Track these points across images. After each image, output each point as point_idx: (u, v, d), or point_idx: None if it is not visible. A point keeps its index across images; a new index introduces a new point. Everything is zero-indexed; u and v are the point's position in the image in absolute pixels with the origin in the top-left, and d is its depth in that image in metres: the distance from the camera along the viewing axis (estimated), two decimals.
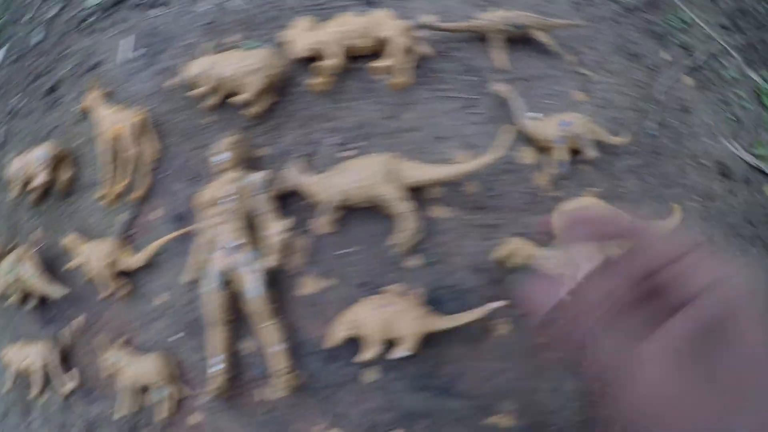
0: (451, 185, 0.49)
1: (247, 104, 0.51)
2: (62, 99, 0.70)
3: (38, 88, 0.75)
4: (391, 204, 0.44)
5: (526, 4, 0.59)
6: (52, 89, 0.73)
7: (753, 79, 0.70)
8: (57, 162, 0.63)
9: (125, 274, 0.57)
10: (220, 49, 0.60)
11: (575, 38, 0.60)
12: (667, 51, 0.67)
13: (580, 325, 0.25)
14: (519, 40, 0.56)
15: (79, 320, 0.58)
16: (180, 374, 0.53)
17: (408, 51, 0.50)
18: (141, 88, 0.62)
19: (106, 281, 0.55)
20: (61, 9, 0.82)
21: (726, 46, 0.71)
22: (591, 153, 0.49)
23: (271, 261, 0.45)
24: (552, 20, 0.55)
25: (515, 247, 0.45)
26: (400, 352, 0.43)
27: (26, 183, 0.64)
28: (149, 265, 0.56)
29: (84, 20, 0.74)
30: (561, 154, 0.49)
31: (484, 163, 0.45)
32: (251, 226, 0.49)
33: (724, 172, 0.59)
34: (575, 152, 0.51)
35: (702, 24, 0.71)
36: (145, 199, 0.57)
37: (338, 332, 0.45)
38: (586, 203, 0.50)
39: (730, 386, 0.22)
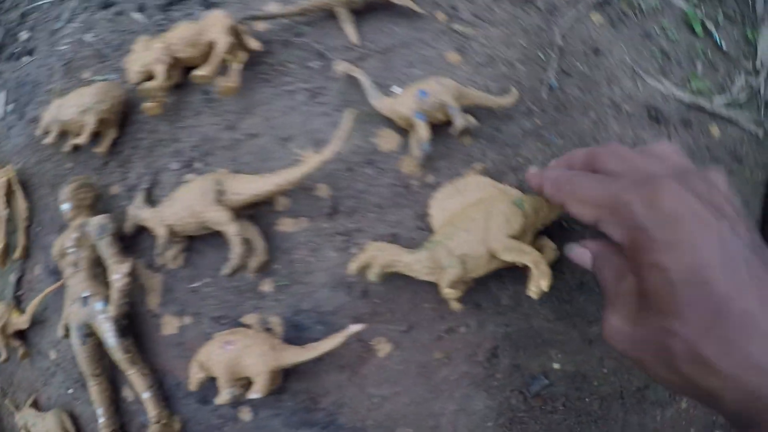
0: (300, 192, 0.45)
1: (88, 140, 0.51)
2: None
3: None
4: (221, 227, 0.42)
5: None
6: None
7: (677, 5, 0.59)
8: None
9: (21, 335, 0.60)
10: (78, 86, 0.60)
11: None
12: None
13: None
14: (375, 8, 0.51)
15: None
16: (77, 429, 0.54)
17: (233, 51, 0.48)
18: (16, 144, 0.64)
19: (3, 343, 0.58)
20: None
21: None
22: (460, 122, 0.43)
23: (112, 309, 0.45)
24: None
25: (372, 255, 0.40)
26: (252, 393, 0.40)
27: None
28: (39, 322, 0.58)
29: None
30: (422, 131, 0.44)
31: (319, 162, 0.42)
32: (104, 272, 0.49)
33: (656, 117, 0.50)
34: (448, 124, 0.46)
35: None
36: (27, 257, 0.59)
37: (194, 375, 0.43)
38: (470, 183, 0.45)
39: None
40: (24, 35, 0.70)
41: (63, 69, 0.63)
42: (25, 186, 0.60)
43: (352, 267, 0.41)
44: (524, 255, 0.38)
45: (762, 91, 0.56)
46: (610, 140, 0.50)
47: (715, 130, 0.53)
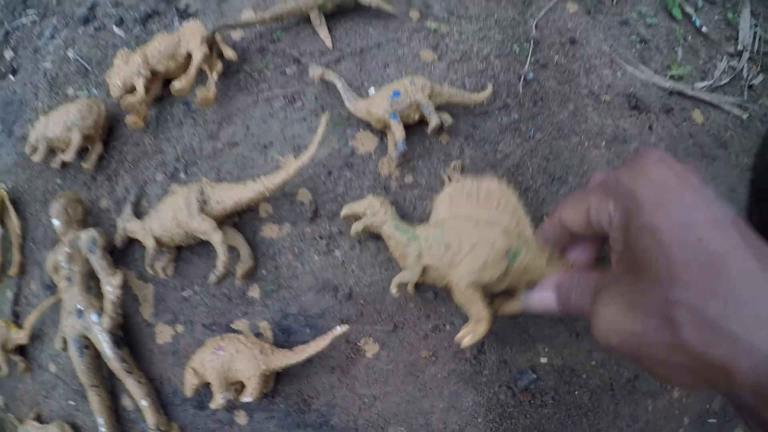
0: (282, 198, 0.49)
1: (74, 157, 0.55)
2: None
3: None
4: (206, 236, 0.46)
5: None
6: None
7: None
8: None
9: (21, 350, 0.64)
10: (62, 103, 0.65)
11: None
12: None
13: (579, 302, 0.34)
14: (348, 11, 0.55)
15: None
16: None
17: (210, 62, 0.51)
18: (5, 162, 0.68)
19: (3, 359, 0.63)
20: None
21: None
22: (434, 120, 0.47)
23: (106, 321, 0.49)
24: None
25: (364, 212, 0.45)
26: (245, 397, 0.44)
27: None
28: (37, 336, 0.63)
29: None
30: (397, 131, 0.47)
31: (298, 167, 0.45)
32: (97, 284, 0.53)
33: (636, 105, 0.53)
34: (425, 123, 0.49)
35: None
36: (22, 273, 0.64)
37: (188, 381, 0.47)
38: (493, 193, 0.43)
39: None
40: (8, 54, 0.74)
41: (47, 86, 0.67)
42: (17, 203, 0.64)
43: (343, 212, 0.46)
44: (471, 308, 0.40)
45: (745, 74, 0.58)
46: (589, 131, 0.53)
47: (698, 115, 0.56)
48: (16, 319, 0.65)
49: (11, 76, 0.73)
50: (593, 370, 0.53)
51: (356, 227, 0.45)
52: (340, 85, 0.50)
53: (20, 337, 0.63)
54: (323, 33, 0.53)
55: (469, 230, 0.39)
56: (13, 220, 0.64)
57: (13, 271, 0.64)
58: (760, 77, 0.63)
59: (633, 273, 0.29)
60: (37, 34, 0.73)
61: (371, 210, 0.44)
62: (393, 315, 0.49)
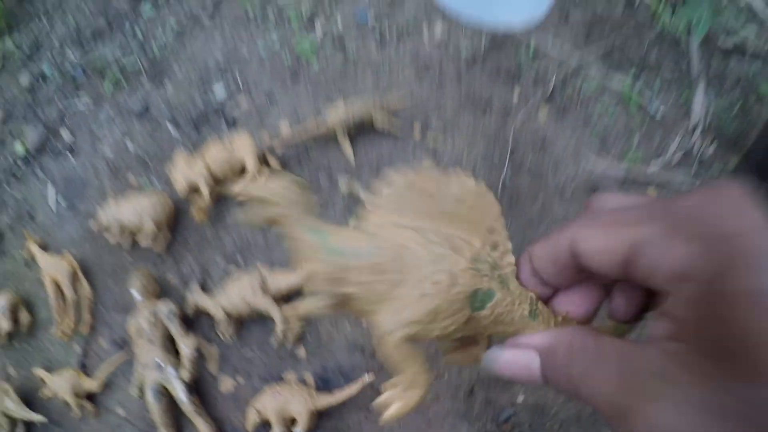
0: None
1: (149, 241, 0.75)
2: (8, 249, 0.97)
3: None
4: (267, 311, 0.66)
5: (369, 87, 0.78)
6: None
7: (614, 85, 0.85)
8: (15, 308, 0.89)
9: (90, 395, 0.83)
10: (125, 189, 0.84)
11: (420, 108, 0.78)
12: (520, 87, 0.83)
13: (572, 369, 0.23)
14: (365, 129, 0.76)
15: None
16: None
17: (260, 170, 0.72)
18: (70, 234, 0.87)
19: (75, 404, 0.81)
20: None
21: (583, 61, 0.87)
22: None
23: (185, 373, 0.68)
24: (385, 103, 0.74)
25: (271, 200, 0.31)
26: (297, 430, 0.65)
27: None
28: (106, 384, 0.81)
29: (12, 171, 1.01)
30: None
31: None
32: (173, 344, 0.73)
33: (595, 192, 0.75)
34: None
35: (555, 48, 0.87)
36: (91, 332, 0.82)
37: (250, 419, 0.67)
38: (467, 191, 0.29)
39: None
40: (65, 134, 0.93)
41: (109, 171, 0.86)
42: (86, 272, 0.83)
43: (244, 192, 0.30)
44: (403, 368, 0.28)
45: (696, 149, 0.80)
46: (555, 220, 0.76)
47: (652, 192, 0.78)
48: (84, 370, 0.84)
49: (70, 155, 0.91)
50: (562, 405, 0.75)
51: (257, 215, 0.30)
52: (362, 194, 0.71)
53: (93, 385, 0.81)
54: (347, 150, 0.74)
55: (419, 251, 0.28)
56: (84, 287, 0.83)
57: (84, 329, 0.82)
58: (712, 148, 0.85)
59: (713, 358, 0.20)
60: (92, 119, 0.91)
61: (286, 198, 0.31)
62: None
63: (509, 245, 0.28)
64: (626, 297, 0.26)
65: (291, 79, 0.82)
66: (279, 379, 0.69)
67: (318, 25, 0.88)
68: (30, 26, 1.25)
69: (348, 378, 0.68)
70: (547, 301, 0.28)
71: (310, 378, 0.69)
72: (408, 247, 0.27)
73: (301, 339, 0.69)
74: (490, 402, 0.71)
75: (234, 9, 0.98)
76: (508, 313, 0.27)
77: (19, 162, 0.99)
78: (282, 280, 0.67)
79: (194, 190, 0.74)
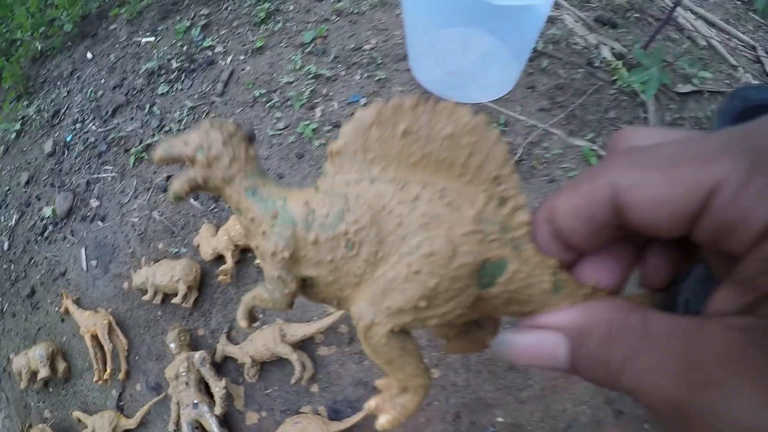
0: (329, 330, 0.92)
1: (182, 301, 0.96)
2: (41, 303, 1.17)
3: (18, 293, 1.22)
4: (286, 356, 0.88)
5: None
6: (30, 294, 1.19)
7: (577, 145, 1.11)
8: (52, 357, 1.09)
9: None
10: (154, 254, 1.05)
11: None
12: None
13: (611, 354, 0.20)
14: None
15: None
16: None
17: None
18: (103, 293, 1.07)
19: None
20: (19, 218, 1.30)
21: (547, 127, 1.12)
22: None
23: (218, 410, 0.89)
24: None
25: (206, 139, 0.26)
26: None
27: (32, 376, 1.10)
28: (142, 424, 1.01)
29: (42, 232, 1.21)
30: None
31: (339, 316, 0.88)
32: (205, 386, 0.94)
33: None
34: None
35: (520, 117, 1.12)
36: (127, 378, 1.03)
37: None
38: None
39: None
40: (94, 202, 1.14)
41: (138, 238, 1.07)
42: (121, 325, 1.03)
43: (157, 155, 0.26)
44: (394, 370, 0.25)
45: None
46: None
47: None
48: (121, 411, 1.04)
49: (100, 222, 1.12)
50: (536, 423, 0.98)
51: (176, 187, 0.25)
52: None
53: (131, 423, 1.01)
54: None
55: (403, 213, 0.22)
56: (120, 338, 1.03)
57: (121, 376, 1.02)
58: None
59: None
60: (119, 191, 1.13)
61: (207, 152, 0.25)
62: None
63: (522, 199, 0.22)
64: (664, 258, 0.22)
65: (296, 156, 1.06)
66: (297, 411, 0.91)
67: (317, 109, 1.13)
68: (49, 93, 1.47)
69: (355, 408, 0.90)
70: (569, 268, 0.23)
71: (323, 410, 0.90)
72: (388, 208, 0.22)
73: (314, 378, 0.91)
74: (474, 424, 0.93)
75: (242, 92, 1.22)
76: (525, 289, 0.23)
77: (49, 224, 1.20)
78: (298, 330, 0.89)
79: (218, 257, 0.96)
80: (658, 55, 1.11)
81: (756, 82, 1.29)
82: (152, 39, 1.50)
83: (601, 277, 0.22)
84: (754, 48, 1.30)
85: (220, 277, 0.95)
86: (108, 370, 1.02)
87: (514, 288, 0.22)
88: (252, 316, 0.28)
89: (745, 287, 0.17)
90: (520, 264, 0.22)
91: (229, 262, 0.93)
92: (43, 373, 1.06)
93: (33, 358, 1.08)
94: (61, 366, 1.08)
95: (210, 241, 0.96)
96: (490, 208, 0.22)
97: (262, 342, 0.89)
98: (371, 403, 0.27)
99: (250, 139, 0.26)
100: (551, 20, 1.25)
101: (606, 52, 1.22)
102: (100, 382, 1.02)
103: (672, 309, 0.22)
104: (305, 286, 0.24)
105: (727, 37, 1.34)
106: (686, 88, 1.19)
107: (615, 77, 1.18)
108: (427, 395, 0.25)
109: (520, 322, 0.23)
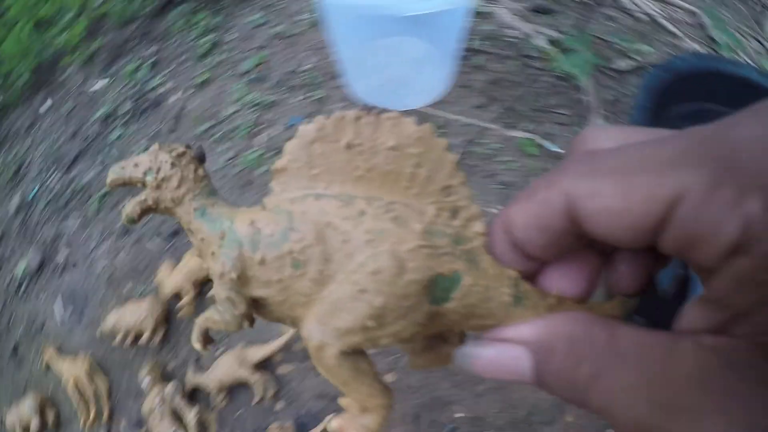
0: (285, 350, 1.05)
1: (150, 339, 1.10)
2: (25, 358, 1.32)
3: (2, 352, 1.38)
4: (248, 379, 1.01)
5: None
6: (14, 351, 1.34)
7: (514, 137, 1.21)
8: (42, 408, 1.24)
9: None
10: (121, 298, 1.19)
11: None
12: None
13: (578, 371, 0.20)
14: None
15: None
16: None
17: None
18: (80, 340, 1.22)
19: None
20: None
21: (483, 123, 1.23)
22: None
23: None
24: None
25: (155, 161, 0.30)
26: None
27: (24, 429, 1.25)
28: None
29: (17, 290, 1.37)
30: None
31: (291, 336, 1.01)
32: (179, 416, 1.07)
33: None
34: None
35: (457, 117, 1.23)
36: (111, 418, 1.17)
37: None
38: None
39: None
40: (63, 253, 1.29)
41: (107, 283, 1.21)
42: (102, 369, 1.18)
43: (110, 178, 0.30)
44: (349, 391, 0.26)
45: None
46: None
47: None
48: None
49: (70, 270, 1.27)
50: (496, 414, 1.09)
51: (128, 210, 0.28)
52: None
53: None
54: None
55: (348, 229, 0.23)
56: (102, 381, 1.17)
57: (104, 417, 1.17)
58: None
59: None
60: (85, 238, 1.28)
61: (156, 174, 0.27)
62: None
63: (475, 209, 0.23)
64: (633, 264, 0.22)
65: (244, 185, 1.19)
66: (265, 429, 1.03)
67: (263, 135, 1.26)
68: (12, 148, 1.63)
69: (318, 420, 1.03)
70: (532, 278, 0.24)
71: (290, 425, 1.03)
72: (333, 225, 0.22)
73: (277, 395, 1.03)
74: (434, 422, 1.05)
75: (191, 126, 1.36)
76: (483, 302, 0.23)
77: (23, 281, 1.36)
78: (257, 352, 1.02)
79: (178, 293, 1.09)
80: (587, 36, 1.21)
81: (702, 51, 1.37)
82: (106, 81, 1.65)
83: (565, 287, 0.23)
84: (694, 14, 1.39)
85: (180, 313, 1.09)
86: (92, 414, 1.16)
87: (472, 302, 0.23)
88: (207, 338, 0.31)
89: (717, 305, 0.17)
90: (476, 277, 0.23)
91: (186, 298, 1.07)
92: (34, 424, 1.21)
93: (23, 411, 1.23)
94: (51, 415, 1.23)
95: (168, 280, 1.10)
96: (441, 220, 0.23)
97: (225, 368, 1.02)
98: (333, 425, 0.28)
99: (200, 159, 0.29)
100: (484, 16, 1.36)
101: (541, 41, 1.33)
102: (85, 427, 1.17)
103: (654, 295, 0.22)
104: (258, 306, 0.26)
105: (668, 6, 1.43)
106: (625, 64, 1.29)
107: (551, 65, 1.28)
108: (389, 414, 0.27)
109: (483, 335, 0.24)
